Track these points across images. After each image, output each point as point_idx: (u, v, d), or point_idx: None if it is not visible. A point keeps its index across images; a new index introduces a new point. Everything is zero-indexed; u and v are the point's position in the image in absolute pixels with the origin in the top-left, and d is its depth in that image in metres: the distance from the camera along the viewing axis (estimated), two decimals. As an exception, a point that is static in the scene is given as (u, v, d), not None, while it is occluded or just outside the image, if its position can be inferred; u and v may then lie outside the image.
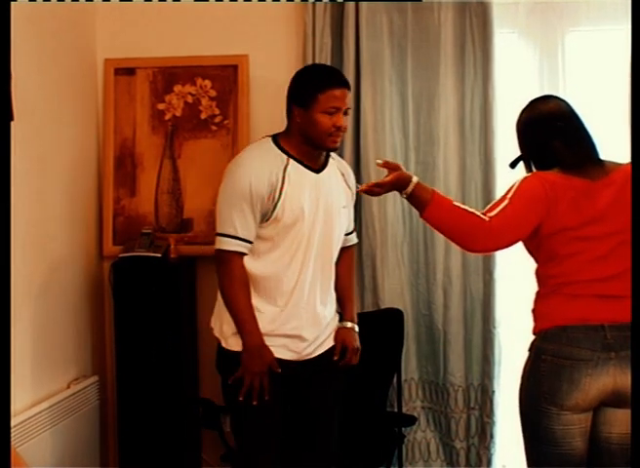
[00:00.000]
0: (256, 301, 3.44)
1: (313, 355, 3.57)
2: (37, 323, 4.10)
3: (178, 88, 4.71)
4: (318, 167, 3.53)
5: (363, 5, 4.50)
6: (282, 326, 3.46)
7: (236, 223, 3.36)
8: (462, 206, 3.27)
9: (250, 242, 3.41)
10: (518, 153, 4.59)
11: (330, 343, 3.64)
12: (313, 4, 4.55)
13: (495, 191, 4.49)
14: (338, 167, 3.67)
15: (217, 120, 4.67)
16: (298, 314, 3.48)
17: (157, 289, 4.39)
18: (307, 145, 3.45)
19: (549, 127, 3.32)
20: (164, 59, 4.72)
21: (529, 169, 3.41)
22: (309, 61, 4.53)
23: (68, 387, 4.38)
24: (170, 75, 4.71)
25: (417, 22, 4.56)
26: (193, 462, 4.60)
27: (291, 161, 3.44)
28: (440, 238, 4.55)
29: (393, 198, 4.57)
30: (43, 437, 3.99)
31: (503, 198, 3.26)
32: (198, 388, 4.67)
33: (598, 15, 4.47)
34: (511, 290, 4.61)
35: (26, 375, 3.96)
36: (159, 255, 4.44)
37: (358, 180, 4.56)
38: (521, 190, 3.24)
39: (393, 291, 4.60)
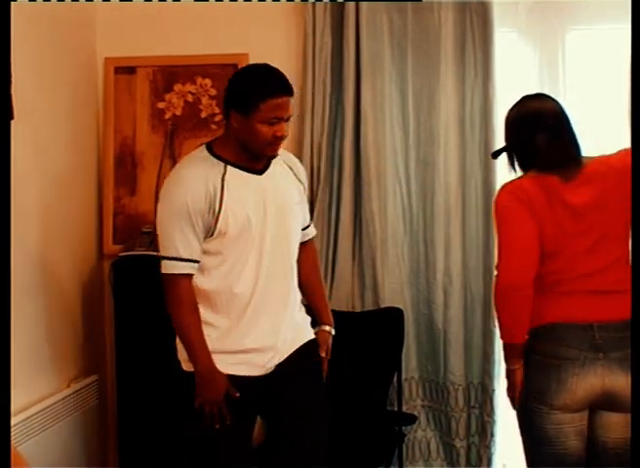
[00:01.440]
0: (209, 317, 3.26)
1: (281, 360, 3.36)
2: (37, 322, 4.10)
3: (178, 87, 4.71)
4: (261, 167, 3.30)
5: (363, 4, 4.50)
6: (241, 340, 3.27)
7: (177, 244, 3.15)
8: None
9: (196, 261, 3.20)
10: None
11: (299, 342, 3.44)
12: (313, 3, 4.55)
13: (495, 190, 4.48)
14: (284, 161, 3.43)
15: (217, 119, 4.67)
16: (257, 325, 3.27)
17: (157, 288, 4.38)
18: (245, 151, 3.22)
19: (536, 122, 3.32)
20: (164, 58, 4.72)
21: (511, 163, 3.43)
22: (309, 61, 4.54)
23: (68, 386, 4.38)
24: (170, 74, 4.72)
25: (417, 22, 4.56)
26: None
27: (228, 168, 3.21)
28: (440, 237, 4.56)
29: (393, 196, 4.57)
30: (43, 436, 3.99)
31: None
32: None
33: (598, 14, 4.47)
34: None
35: (26, 374, 3.96)
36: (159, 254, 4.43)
37: (359, 179, 4.58)
38: (505, 219, 3.28)
39: (393, 289, 4.60)
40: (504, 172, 4.47)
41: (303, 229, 3.54)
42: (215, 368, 3.23)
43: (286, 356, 3.37)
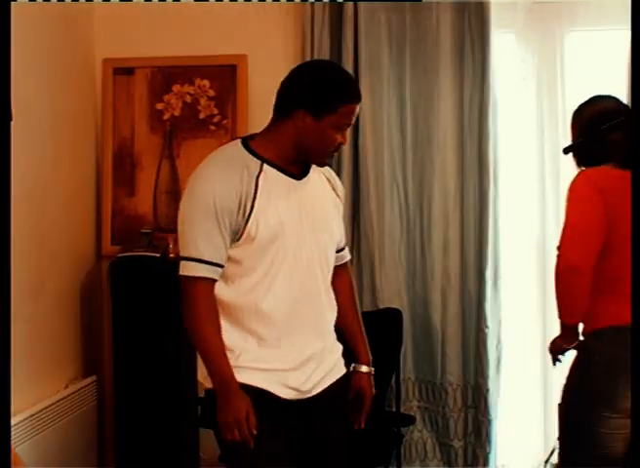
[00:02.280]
0: (232, 336, 2.88)
1: (312, 393, 2.98)
2: (35, 322, 4.10)
3: (176, 88, 4.71)
4: (299, 172, 2.96)
5: (361, 5, 4.50)
6: (273, 361, 2.90)
7: (200, 244, 2.80)
8: None
9: (220, 265, 2.83)
10: (515, 153, 4.62)
11: (330, 380, 3.06)
12: (312, 4, 4.55)
13: (493, 192, 4.49)
14: (322, 172, 3.08)
15: (215, 120, 4.67)
16: (288, 350, 2.92)
17: (155, 288, 4.39)
18: (295, 153, 2.90)
19: (611, 120, 3.31)
20: (162, 59, 4.72)
21: (582, 159, 3.44)
22: (308, 61, 4.54)
23: (66, 387, 4.38)
24: (168, 75, 4.71)
25: (415, 22, 4.56)
26: (191, 462, 4.59)
27: (265, 166, 2.87)
28: (438, 238, 4.56)
29: (391, 198, 4.57)
30: (41, 437, 3.99)
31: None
32: (196, 388, 4.66)
33: (596, 15, 4.47)
34: (509, 290, 4.62)
35: (24, 375, 3.96)
36: (158, 255, 4.43)
37: (357, 180, 4.58)
38: (576, 201, 3.29)
39: (391, 291, 4.60)
40: (502, 173, 4.53)
41: (338, 251, 3.15)
42: (237, 385, 2.83)
43: (318, 391, 3.00)
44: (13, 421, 3.74)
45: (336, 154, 3.07)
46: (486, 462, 4.58)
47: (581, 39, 4.60)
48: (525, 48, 4.57)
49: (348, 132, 4.49)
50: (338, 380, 3.09)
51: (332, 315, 3.09)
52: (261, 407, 2.85)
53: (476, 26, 4.51)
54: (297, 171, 2.94)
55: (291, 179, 2.92)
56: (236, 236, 2.83)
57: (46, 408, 4.07)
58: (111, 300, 4.46)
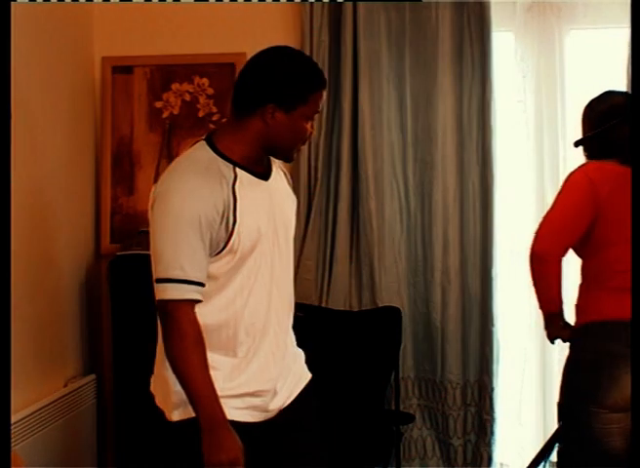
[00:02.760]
0: (209, 357, 2.62)
1: (284, 405, 2.84)
2: (34, 321, 4.10)
3: (175, 86, 4.70)
4: (265, 171, 2.78)
5: (360, 4, 4.50)
6: (247, 382, 2.72)
7: (185, 264, 2.53)
8: None
9: (202, 285, 2.59)
10: (514, 151, 4.62)
11: (297, 390, 2.90)
12: (310, 2, 4.55)
13: (493, 189, 4.49)
14: (278, 165, 2.89)
15: (214, 118, 4.67)
16: (266, 364, 2.75)
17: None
18: (262, 151, 2.72)
19: (623, 115, 3.33)
20: (161, 57, 4.72)
21: (591, 152, 3.47)
22: (307, 60, 4.53)
23: (65, 386, 4.38)
24: (167, 73, 4.71)
25: (414, 21, 4.56)
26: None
27: (238, 171, 2.66)
28: (438, 235, 4.56)
29: (390, 195, 4.57)
30: (40, 435, 3.99)
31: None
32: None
33: (596, 14, 4.47)
34: (510, 287, 4.62)
35: (23, 374, 3.96)
36: (156, 254, 4.43)
37: (356, 178, 4.58)
38: (567, 188, 3.34)
39: (390, 288, 4.60)
40: (502, 170, 4.53)
41: None
42: (227, 421, 2.60)
43: (291, 400, 2.86)
44: (12, 420, 3.73)
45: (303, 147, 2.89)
46: (490, 460, 4.58)
47: (581, 38, 4.60)
48: (524, 46, 4.56)
49: (347, 130, 4.55)
50: (304, 388, 2.93)
51: (291, 319, 2.91)
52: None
53: (476, 25, 4.51)
54: (262, 169, 2.77)
55: (260, 181, 2.74)
56: (215, 250, 2.62)
57: (45, 406, 4.07)
58: (110, 299, 4.46)
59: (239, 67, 4.58)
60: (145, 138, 4.72)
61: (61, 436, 4.19)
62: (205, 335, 2.61)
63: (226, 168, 2.64)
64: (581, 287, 3.38)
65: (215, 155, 2.66)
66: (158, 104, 4.71)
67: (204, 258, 2.58)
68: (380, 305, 4.55)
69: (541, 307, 3.45)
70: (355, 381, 4.39)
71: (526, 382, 4.62)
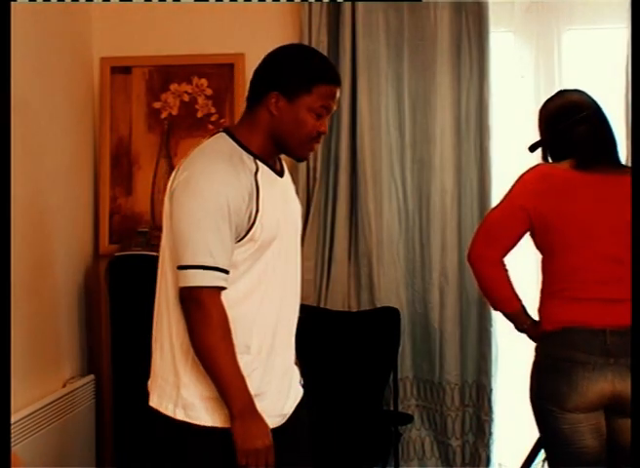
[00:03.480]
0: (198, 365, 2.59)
1: (290, 412, 2.78)
2: (33, 321, 4.10)
3: (174, 86, 4.71)
4: (280, 169, 2.80)
5: (359, 4, 4.50)
6: (262, 382, 2.65)
7: (214, 250, 2.51)
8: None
9: (228, 272, 2.56)
10: (513, 151, 4.61)
11: (299, 395, 2.88)
12: (309, 3, 4.55)
13: (490, 189, 4.50)
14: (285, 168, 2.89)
15: (213, 119, 4.67)
16: (280, 364, 2.72)
17: (153, 287, 4.38)
18: (273, 144, 2.69)
19: (576, 114, 3.31)
20: (160, 58, 4.72)
21: (545, 156, 3.43)
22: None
23: (64, 386, 4.38)
24: (166, 74, 4.72)
25: (413, 21, 4.57)
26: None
27: (259, 163, 2.66)
28: (436, 236, 4.56)
29: (389, 196, 4.57)
30: (39, 436, 3.99)
31: None
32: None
33: (594, 13, 4.48)
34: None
35: (22, 374, 3.95)
36: (155, 254, 4.41)
37: (355, 179, 4.58)
38: (506, 195, 3.33)
39: (389, 289, 4.60)
40: (500, 171, 4.52)
41: None
42: (258, 411, 2.57)
43: (294, 407, 2.81)
44: (10, 420, 3.74)
45: (315, 148, 2.80)
46: (488, 461, 4.58)
47: (579, 37, 4.60)
48: (523, 46, 4.57)
49: (345, 131, 4.55)
50: (299, 402, 2.87)
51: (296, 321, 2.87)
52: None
53: (474, 25, 4.51)
54: (277, 167, 2.78)
55: (277, 177, 2.75)
56: (236, 238, 2.58)
57: (44, 406, 4.06)
58: (109, 299, 4.46)
59: (238, 68, 4.66)
60: (144, 139, 4.72)
61: (60, 436, 4.19)
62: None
63: (248, 158, 2.64)
64: (541, 291, 3.35)
65: (236, 145, 2.65)
66: (157, 105, 4.72)
67: (230, 245, 2.56)
68: (379, 306, 4.55)
69: (496, 308, 3.44)
70: (354, 382, 4.39)
71: (524, 383, 4.62)
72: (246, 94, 2.76)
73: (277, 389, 2.70)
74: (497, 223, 3.30)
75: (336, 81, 2.70)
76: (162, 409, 2.66)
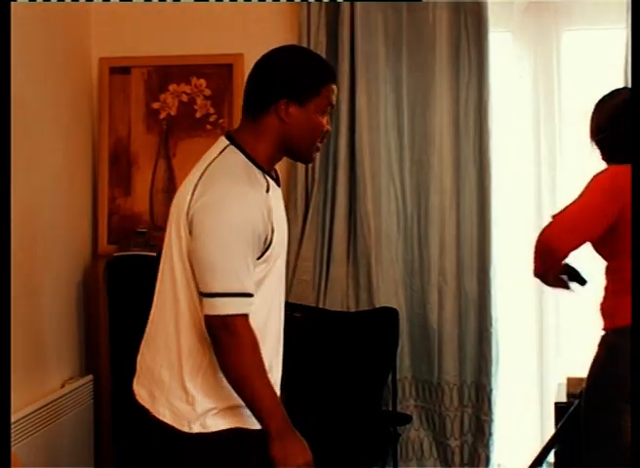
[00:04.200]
0: (209, 376, 2.62)
1: None
2: (31, 321, 4.10)
3: (172, 87, 4.71)
4: (276, 176, 2.77)
5: (358, 4, 4.50)
6: None
7: (241, 275, 2.50)
8: None
9: (253, 296, 2.56)
10: (511, 152, 4.60)
11: None
12: (308, 3, 4.56)
13: (490, 190, 4.50)
14: None
15: (212, 119, 4.67)
16: (278, 377, 2.75)
17: (152, 287, 4.38)
18: (280, 152, 2.69)
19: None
20: (159, 58, 4.72)
21: (608, 157, 3.39)
22: (304, 61, 4.53)
23: (63, 386, 4.38)
24: (165, 74, 4.72)
25: (411, 21, 4.57)
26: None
27: (267, 178, 2.64)
28: (435, 237, 4.56)
29: (387, 197, 4.57)
30: (38, 436, 3.99)
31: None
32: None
33: (593, 14, 4.49)
34: (507, 288, 4.62)
35: (20, 374, 3.95)
36: (154, 255, 4.43)
37: (353, 179, 4.58)
38: (591, 189, 3.26)
39: (387, 289, 4.60)
40: (499, 171, 4.53)
41: None
42: (291, 424, 2.61)
43: None
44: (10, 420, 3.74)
45: (321, 144, 2.76)
46: (487, 461, 4.58)
47: (578, 38, 4.61)
48: (521, 47, 4.57)
49: (344, 131, 4.56)
50: None
51: None
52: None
53: (473, 25, 4.51)
54: (275, 174, 2.76)
55: (277, 187, 2.73)
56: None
57: (43, 407, 4.06)
58: (108, 299, 4.46)
59: (237, 68, 4.65)
60: (143, 139, 4.72)
61: (59, 436, 4.19)
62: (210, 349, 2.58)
63: (259, 174, 2.62)
64: (607, 289, 3.33)
65: (247, 160, 2.62)
66: (155, 105, 4.72)
67: (253, 268, 2.55)
68: (378, 306, 4.55)
69: (536, 276, 3.44)
70: (352, 382, 4.39)
71: (523, 383, 4.63)
72: (242, 102, 2.74)
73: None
74: (580, 219, 3.25)
75: (335, 77, 2.73)
76: (178, 426, 2.63)
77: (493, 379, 4.54)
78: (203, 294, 2.53)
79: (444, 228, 4.57)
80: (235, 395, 2.56)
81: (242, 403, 2.57)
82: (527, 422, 4.64)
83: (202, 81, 4.69)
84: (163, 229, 4.61)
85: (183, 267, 2.60)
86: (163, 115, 4.71)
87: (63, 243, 4.46)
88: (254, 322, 2.55)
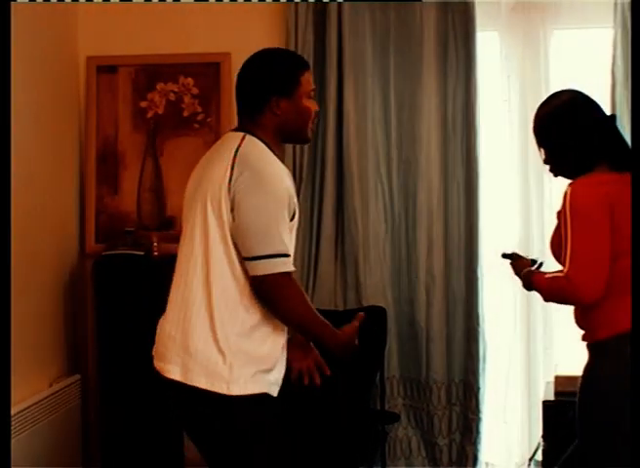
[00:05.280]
0: (271, 343, 2.95)
1: None
2: (19, 321, 4.09)
3: (160, 85, 4.70)
4: None
5: (345, 4, 4.51)
6: (283, 358, 3.06)
7: (286, 240, 2.86)
8: (549, 274, 3.15)
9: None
10: (500, 150, 4.61)
11: None
12: (295, 3, 4.55)
13: (477, 189, 4.50)
14: None
15: (199, 118, 4.67)
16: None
17: (140, 286, 4.39)
18: (283, 139, 3.05)
19: (590, 113, 3.16)
20: (146, 57, 4.72)
21: (566, 172, 3.21)
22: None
23: (50, 386, 4.37)
24: (152, 73, 4.71)
25: (399, 21, 4.57)
26: (176, 461, 4.59)
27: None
28: (423, 236, 4.56)
29: (375, 196, 4.58)
30: (25, 436, 3.98)
31: (567, 234, 3.05)
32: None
33: (580, 14, 4.49)
34: (494, 286, 4.63)
35: (8, 374, 3.95)
36: (142, 253, 4.44)
37: (341, 178, 4.58)
38: (579, 216, 3.02)
39: (375, 288, 4.60)
40: (486, 170, 4.53)
41: None
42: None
43: None
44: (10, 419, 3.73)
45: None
46: (475, 460, 4.58)
47: (565, 37, 4.61)
48: (509, 46, 4.58)
49: (332, 130, 4.56)
50: None
51: None
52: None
53: (460, 25, 4.52)
54: None
55: None
56: None
57: (30, 406, 4.06)
58: (95, 299, 4.46)
59: (224, 67, 4.65)
60: (130, 138, 4.72)
61: (47, 436, 4.18)
62: (248, 317, 2.88)
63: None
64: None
65: (264, 146, 2.95)
66: (143, 104, 4.71)
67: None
68: (365, 305, 4.55)
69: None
70: (340, 381, 4.38)
71: (511, 381, 4.63)
72: (236, 106, 3.05)
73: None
74: (597, 257, 3.00)
75: (307, 63, 3.08)
76: (216, 390, 2.85)
77: (480, 378, 4.55)
78: (253, 258, 2.83)
79: (431, 227, 4.57)
80: (264, 360, 2.91)
81: (268, 368, 2.92)
82: (515, 421, 4.65)
83: (189, 80, 4.68)
84: (151, 228, 4.67)
85: (222, 239, 2.88)
86: (150, 114, 4.71)
87: (51, 242, 4.46)
88: None
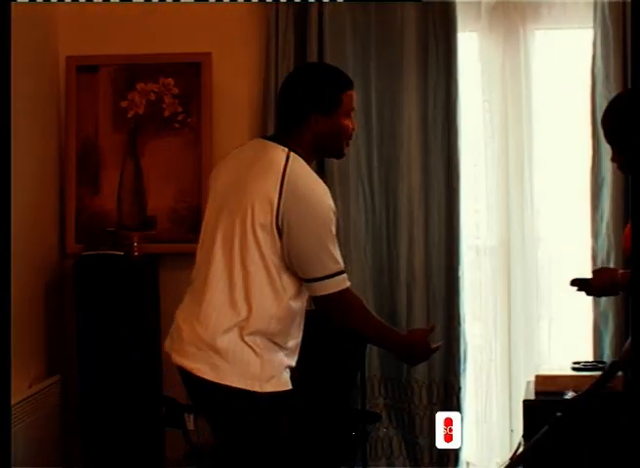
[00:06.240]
0: (283, 339, 3.12)
1: None
2: (-2, 321, 4.08)
3: (140, 85, 4.69)
4: None
5: (326, 4, 4.51)
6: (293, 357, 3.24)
7: (337, 256, 3.01)
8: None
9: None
10: (480, 150, 4.61)
11: None
12: (276, 2, 4.55)
13: (458, 188, 4.51)
14: None
15: (180, 118, 4.66)
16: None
17: (120, 287, 4.38)
18: (317, 154, 3.14)
19: None
20: (126, 57, 4.71)
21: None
22: (272, 59, 4.53)
23: (30, 386, 4.36)
24: (132, 73, 4.70)
25: (380, 21, 4.57)
26: (157, 461, 4.58)
27: None
28: (404, 236, 4.57)
29: (356, 195, 4.58)
30: (5, 437, 3.97)
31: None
32: (161, 387, 4.65)
33: (560, 14, 4.50)
34: (475, 286, 4.64)
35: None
36: (122, 253, 4.43)
37: (322, 178, 4.56)
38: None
39: (356, 288, 4.55)
40: (467, 170, 4.54)
41: None
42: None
43: None
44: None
45: None
46: (456, 459, 4.59)
47: (545, 37, 4.63)
48: (489, 46, 4.59)
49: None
50: None
51: None
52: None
53: (441, 25, 4.53)
54: None
55: None
56: None
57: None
58: (75, 299, 4.45)
59: (205, 67, 4.65)
60: (110, 138, 4.71)
61: (27, 437, 4.17)
62: (292, 319, 3.11)
63: None
64: None
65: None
66: (123, 104, 4.70)
67: None
68: (347, 305, 4.54)
69: None
70: (321, 381, 4.38)
71: (492, 381, 4.64)
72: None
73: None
74: None
75: (352, 83, 3.12)
76: (249, 388, 2.97)
77: (461, 377, 4.56)
78: (315, 280, 3.00)
79: (412, 227, 4.58)
80: (286, 360, 3.13)
81: (289, 365, 3.16)
82: (495, 420, 4.66)
83: (170, 80, 4.67)
84: (131, 228, 4.65)
85: (261, 255, 2.95)
86: (131, 114, 4.70)
87: (31, 242, 4.44)
88: (303, 303, 3.12)
